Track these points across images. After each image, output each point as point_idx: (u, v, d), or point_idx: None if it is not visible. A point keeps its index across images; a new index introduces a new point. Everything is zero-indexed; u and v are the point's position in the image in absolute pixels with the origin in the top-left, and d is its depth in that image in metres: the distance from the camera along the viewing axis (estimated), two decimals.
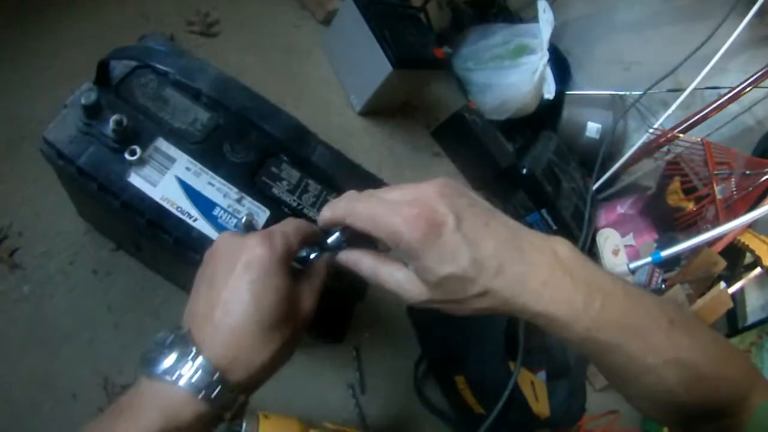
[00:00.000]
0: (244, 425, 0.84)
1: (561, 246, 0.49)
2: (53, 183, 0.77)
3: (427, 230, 0.44)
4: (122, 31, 1.16)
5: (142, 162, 0.63)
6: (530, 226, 1.34)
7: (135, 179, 0.63)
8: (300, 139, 0.69)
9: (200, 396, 0.41)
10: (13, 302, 0.84)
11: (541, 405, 1.06)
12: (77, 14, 1.13)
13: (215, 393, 0.42)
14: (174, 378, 0.41)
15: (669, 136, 1.55)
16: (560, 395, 1.12)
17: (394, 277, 0.50)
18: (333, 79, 1.44)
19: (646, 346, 0.46)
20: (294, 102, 1.29)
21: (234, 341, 0.45)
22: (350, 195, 0.51)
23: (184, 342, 0.44)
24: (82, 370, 0.82)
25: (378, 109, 1.41)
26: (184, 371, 0.42)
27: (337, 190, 0.75)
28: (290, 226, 0.52)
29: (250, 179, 0.69)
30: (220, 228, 0.65)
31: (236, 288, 0.46)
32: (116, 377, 0.83)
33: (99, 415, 0.43)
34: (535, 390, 1.08)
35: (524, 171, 1.36)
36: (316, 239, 0.55)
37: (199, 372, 0.42)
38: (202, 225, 0.64)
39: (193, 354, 0.42)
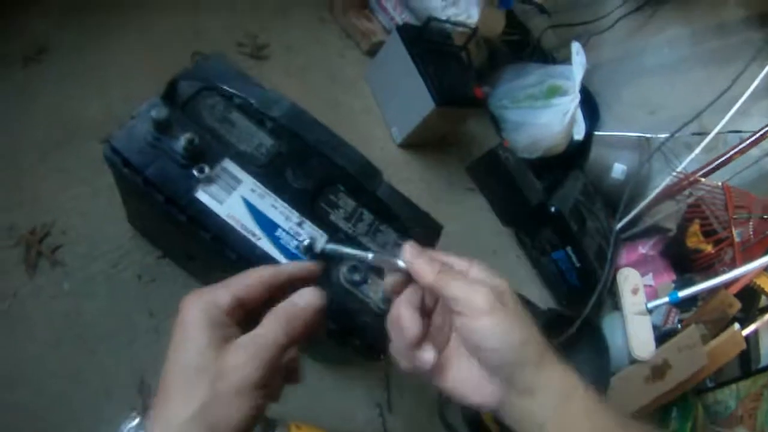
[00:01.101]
0: None
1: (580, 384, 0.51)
2: (102, 186, 0.79)
3: (496, 303, 0.49)
4: (173, 46, 1.21)
5: (209, 180, 0.67)
6: (555, 262, 1.41)
7: (202, 195, 0.67)
8: (368, 174, 0.74)
9: None
10: (50, 297, 0.86)
11: None
12: (131, 25, 1.18)
13: None
14: None
15: (691, 179, 1.58)
16: None
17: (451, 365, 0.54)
18: (375, 109, 1.49)
19: None
20: (337, 129, 1.29)
21: None
22: (428, 261, 0.53)
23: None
24: (118, 370, 0.84)
25: (417, 142, 1.46)
26: None
27: (391, 222, 0.79)
28: (285, 338, 0.47)
29: (309, 205, 0.73)
30: (281, 248, 0.69)
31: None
32: (152, 379, 0.84)
33: None
34: None
35: (552, 209, 1.41)
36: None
37: None
38: (265, 244, 0.68)
39: None
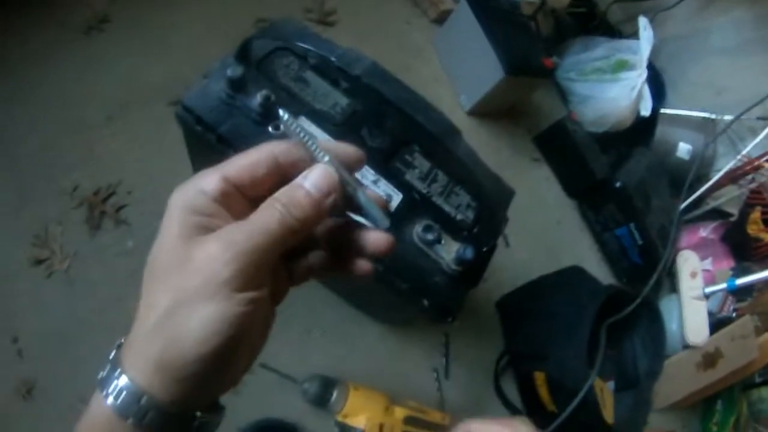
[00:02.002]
0: (334, 394, 0.90)
1: None
2: (167, 146, 0.80)
3: None
4: (237, 13, 1.22)
5: (284, 137, 0.68)
6: (618, 238, 1.39)
7: None
8: (450, 134, 0.74)
9: (128, 422, 0.34)
10: (114, 255, 0.90)
11: (607, 412, 1.10)
12: None
13: (149, 419, 0.34)
14: (104, 395, 0.34)
15: (755, 164, 1.55)
16: (625, 406, 1.16)
17: None
18: (443, 77, 1.48)
19: None
20: None
21: (169, 370, 0.34)
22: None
23: (115, 350, 0.36)
24: None
25: (485, 111, 1.46)
26: (111, 390, 0.34)
27: (465, 184, 0.79)
28: (275, 238, 0.35)
29: (385, 164, 0.74)
30: None
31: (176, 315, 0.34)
32: None
33: None
34: (604, 397, 1.12)
35: (617, 184, 1.39)
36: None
37: (125, 395, 0.34)
38: None
39: (118, 371, 0.34)
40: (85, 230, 0.90)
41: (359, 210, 0.41)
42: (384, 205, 0.42)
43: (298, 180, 0.37)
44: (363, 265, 0.42)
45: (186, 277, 0.33)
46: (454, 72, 1.47)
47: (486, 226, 0.80)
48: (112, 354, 0.35)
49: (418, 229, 0.71)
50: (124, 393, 0.33)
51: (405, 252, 0.71)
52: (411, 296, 0.72)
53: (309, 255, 0.42)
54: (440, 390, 1.08)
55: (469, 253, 0.69)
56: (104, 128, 0.98)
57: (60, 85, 1.00)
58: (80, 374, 0.79)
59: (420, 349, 1.10)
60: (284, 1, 1.32)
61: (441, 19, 1.51)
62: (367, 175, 0.72)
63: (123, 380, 0.33)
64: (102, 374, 0.35)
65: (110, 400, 0.33)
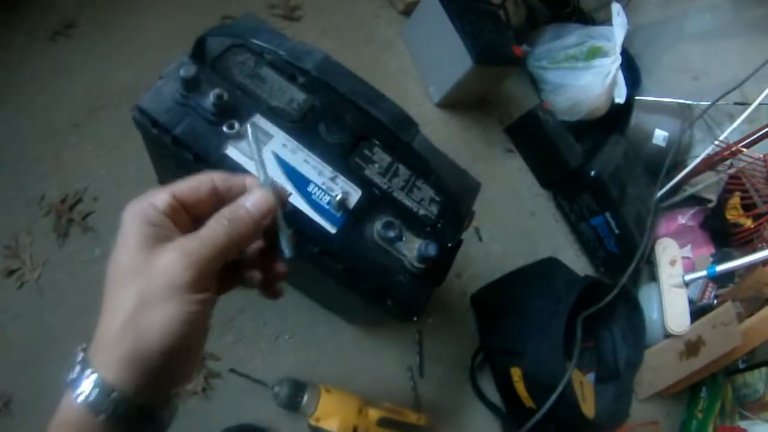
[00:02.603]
0: (305, 397, 0.89)
1: None
2: (132, 151, 0.80)
3: None
4: (203, 10, 1.20)
5: (239, 136, 0.66)
6: (594, 228, 1.38)
7: (232, 152, 0.66)
8: (404, 126, 0.72)
9: (99, 418, 0.37)
10: (82, 263, 0.89)
11: (587, 406, 1.09)
12: None
13: (121, 412, 0.38)
14: (75, 394, 0.38)
15: (733, 149, 1.53)
16: (606, 398, 1.14)
17: None
18: (412, 69, 1.46)
19: None
20: None
21: (134, 365, 0.38)
22: None
23: (85, 350, 0.40)
24: None
25: (455, 102, 1.44)
26: (83, 389, 0.38)
27: (428, 178, 0.77)
28: (225, 243, 0.42)
29: (343, 160, 0.72)
30: (313, 204, 0.68)
31: (138, 318, 0.38)
32: None
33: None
34: (583, 390, 1.10)
35: (592, 173, 1.37)
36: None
37: (96, 392, 0.37)
38: (296, 200, 0.67)
39: (89, 370, 0.38)
40: (54, 239, 0.89)
41: (275, 237, 0.48)
42: (295, 240, 0.48)
43: (242, 200, 0.45)
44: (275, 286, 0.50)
45: (148, 281, 0.39)
46: (423, 63, 1.44)
47: (450, 220, 0.77)
48: (80, 357, 0.40)
49: (378, 226, 0.69)
50: (96, 390, 0.37)
51: (365, 251, 0.69)
52: (374, 297, 0.70)
53: (241, 269, 0.48)
54: (415, 389, 1.06)
55: (432, 249, 0.67)
56: (71, 135, 0.97)
57: (27, 92, 0.99)
58: (57, 385, 0.76)
59: (393, 349, 1.08)
60: None
61: (409, 10, 1.49)
62: (324, 171, 0.70)
63: (93, 378, 0.37)
64: (71, 376, 0.39)
65: (81, 398, 0.37)
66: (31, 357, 0.83)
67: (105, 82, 1.04)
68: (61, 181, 0.93)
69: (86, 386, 0.37)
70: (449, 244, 0.75)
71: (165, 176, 0.90)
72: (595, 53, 1.54)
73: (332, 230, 0.66)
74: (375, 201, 0.72)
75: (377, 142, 0.76)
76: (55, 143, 0.96)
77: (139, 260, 0.39)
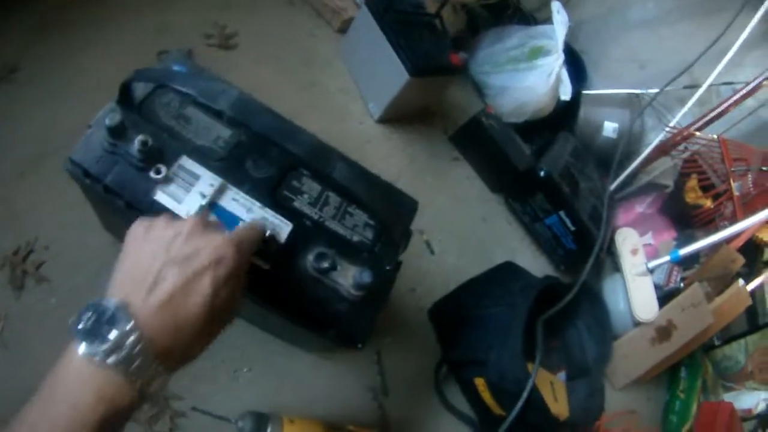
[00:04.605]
0: (268, 429, 0.87)
1: None
2: (78, 198, 0.79)
3: None
4: (142, 46, 1.19)
5: (167, 180, 0.66)
6: (549, 228, 1.38)
7: (161, 197, 0.65)
8: (320, 156, 0.71)
9: (138, 385, 0.41)
10: (40, 314, 0.87)
11: (560, 405, 1.08)
12: (97, 35, 1.16)
13: (153, 384, 0.42)
14: (113, 362, 0.40)
15: (685, 133, 1.54)
16: (580, 395, 1.13)
17: None
18: (351, 87, 1.45)
19: None
20: (312, 111, 1.31)
21: (176, 331, 0.44)
22: None
23: (125, 319, 0.42)
24: None
25: (396, 116, 1.43)
26: (121, 356, 0.40)
27: (357, 202, 0.76)
28: (253, 236, 0.57)
29: (272, 193, 0.71)
30: None
31: (199, 279, 0.46)
32: None
33: (31, 396, 0.41)
34: (555, 390, 1.10)
35: (542, 173, 1.37)
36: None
37: (140, 359, 0.40)
38: None
39: (134, 338, 0.41)
40: (11, 291, 0.87)
41: None
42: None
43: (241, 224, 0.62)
44: None
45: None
46: (362, 80, 1.44)
47: (387, 243, 0.76)
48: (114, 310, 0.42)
49: (310, 257, 0.68)
50: (141, 359, 0.41)
51: (300, 284, 0.68)
52: (316, 328, 0.70)
53: None
54: (382, 408, 1.05)
55: (366, 276, 0.66)
56: (18, 185, 0.96)
57: None
58: None
59: (354, 372, 1.06)
60: (187, 30, 1.29)
61: (345, 28, 1.49)
62: (253, 208, 0.69)
63: (140, 346, 0.41)
64: (107, 344, 0.40)
65: (122, 366, 0.40)
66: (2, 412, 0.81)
67: (49, 128, 1.02)
68: (12, 233, 0.92)
69: (122, 351, 0.40)
70: (387, 267, 0.74)
71: (106, 221, 0.89)
72: (537, 53, 1.55)
73: (265, 266, 0.65)
74: (307, 232, 0.71)
75: (305, 172, 0.75)
76: (4, 193, 0.95)
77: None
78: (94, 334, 0.40)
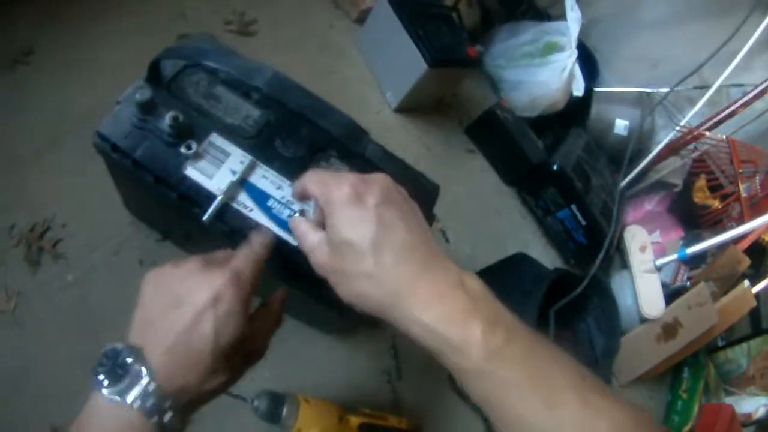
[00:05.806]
0: (284, 409, 0.88)
1: (470, 278, 0.51)
2: (96, 176, 0.80)
3: (351, 196, 0.50)
4: (159, 31, 1.20)
5: (197, 156, 0.67)
6: (560, 221, 1.39)
7: (191, 172, 0.66)
8: (355, 136, 0.72)
9: (153, 420, 0.43)
10: (56, 290, 0.87)
11: None
12: (116, 17, 1.17)
13: (168, 418, 0.44)
14: (129, 401, 0.43)
15: (695, 133, 1.56)
16: None
17: (310, 238, 0.56)
18: (368, 76, 1.46)
19: (550, 396, 0.43)
20: (330, 99, 1.28)
21: (186, 371, 0.46)
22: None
23: (138, 361, 0.45)
24: None
25: (413, 106, 1.44)
26: (137, 395, 0.43)
27: None
28: (254, 262, 0.56)
29: (301, 172, 0.72)
30: (274, 218, 0.68)
31: (200, 321, 0.47)
32: None
33: None
34: None
35: (555, 167, 1.38)
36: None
37: (152, 398, 0.43)
38: (257, 215, 0.68)
39: (146, 379, 0.44)
40: (26, 268, 0.88)
41: None
42: None
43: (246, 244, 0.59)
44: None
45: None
46: (379, 70, 1.45)
47: None
48: (128, 358, 0.45)
49: None
50: (153, 397, 0.43)
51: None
52: (342, 304, 0.70)
53: None
54: (394, 392, 1.05)
55: None
56: (35, 164, 0.96)
57: None
58: (45, 411, 0.78)
59: (368, 355, 1.07)
60: (205, 16, 1.29)
61: (363, 18, 1.49)
62: (283, 186, 0.70)
63: (153, 386, 0.44)
64: (122, 384, 0.44)
65: (138, 403, 0.43)
66: (16, 388, 0.81)
67: (66, 108, 1.03)
68: (29, 211, 0.92)
69: (138, 391, 0.43)
70: None
71: (129, 198, 0.90)
72: (551, 49, 1.56)
73: (295, 243, 0.66)
74: None
75: (334, 153, 0.76)
76: (21, 173, 0.95)
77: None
78: (113, 377, 0.44)
